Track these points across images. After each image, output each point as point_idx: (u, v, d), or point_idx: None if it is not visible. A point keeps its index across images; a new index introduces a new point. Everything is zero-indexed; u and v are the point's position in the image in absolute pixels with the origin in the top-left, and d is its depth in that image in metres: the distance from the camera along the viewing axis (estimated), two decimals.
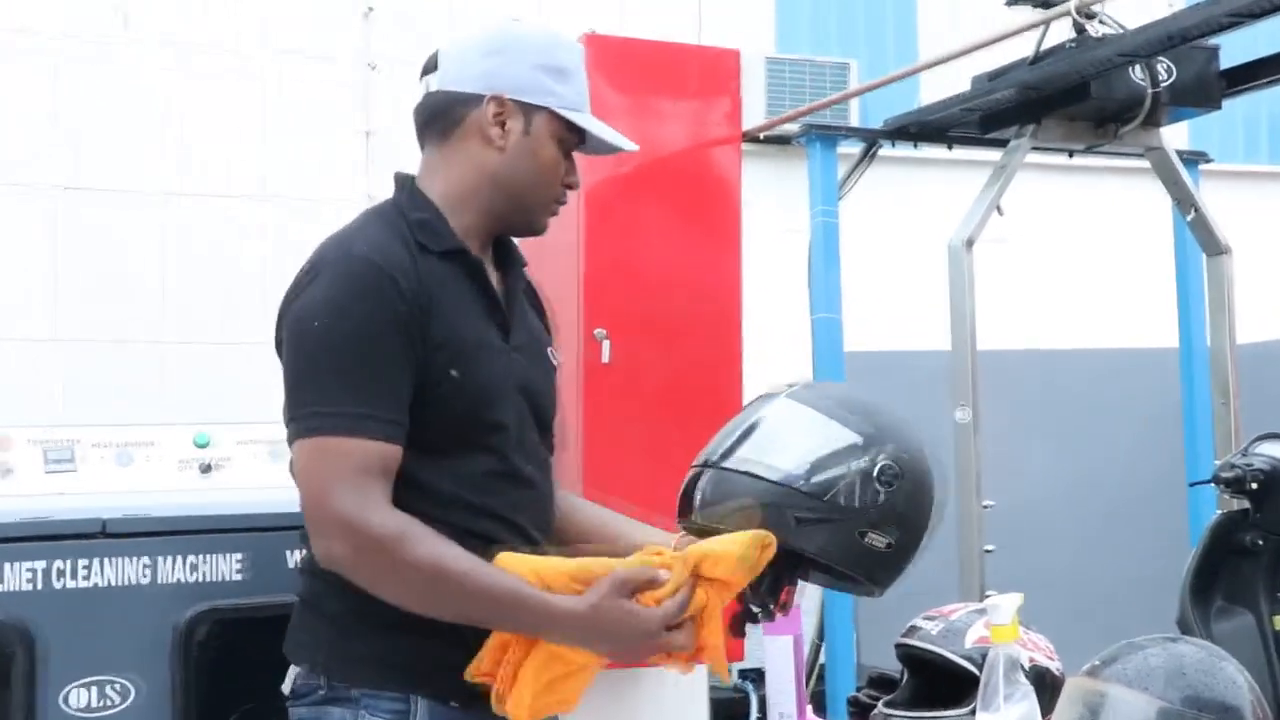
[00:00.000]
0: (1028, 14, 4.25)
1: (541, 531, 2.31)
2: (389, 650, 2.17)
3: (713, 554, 2.09)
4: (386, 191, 4.69)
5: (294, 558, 2.93)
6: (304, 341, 2.11)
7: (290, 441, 2.11)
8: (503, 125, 2.25)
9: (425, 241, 2.23)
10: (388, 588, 2.09)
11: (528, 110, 2.26)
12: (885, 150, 4.98)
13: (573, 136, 2.33)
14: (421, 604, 2.09)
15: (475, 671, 2.13)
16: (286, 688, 2.27)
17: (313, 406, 2.08)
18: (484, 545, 2.13)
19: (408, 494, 2.12)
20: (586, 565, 2.10)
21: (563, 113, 2.28)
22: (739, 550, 2.08)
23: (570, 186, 2.36)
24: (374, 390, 2.09)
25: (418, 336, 2.14)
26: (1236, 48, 4.36)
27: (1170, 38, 3.86)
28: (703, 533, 2.16)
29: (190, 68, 4.54)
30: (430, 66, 2.30)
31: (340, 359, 2.09)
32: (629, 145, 2.39)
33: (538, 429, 2.35)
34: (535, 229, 2.38)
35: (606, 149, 2.40)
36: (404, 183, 2.34)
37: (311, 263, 2.19)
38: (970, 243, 4.25)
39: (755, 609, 2.21)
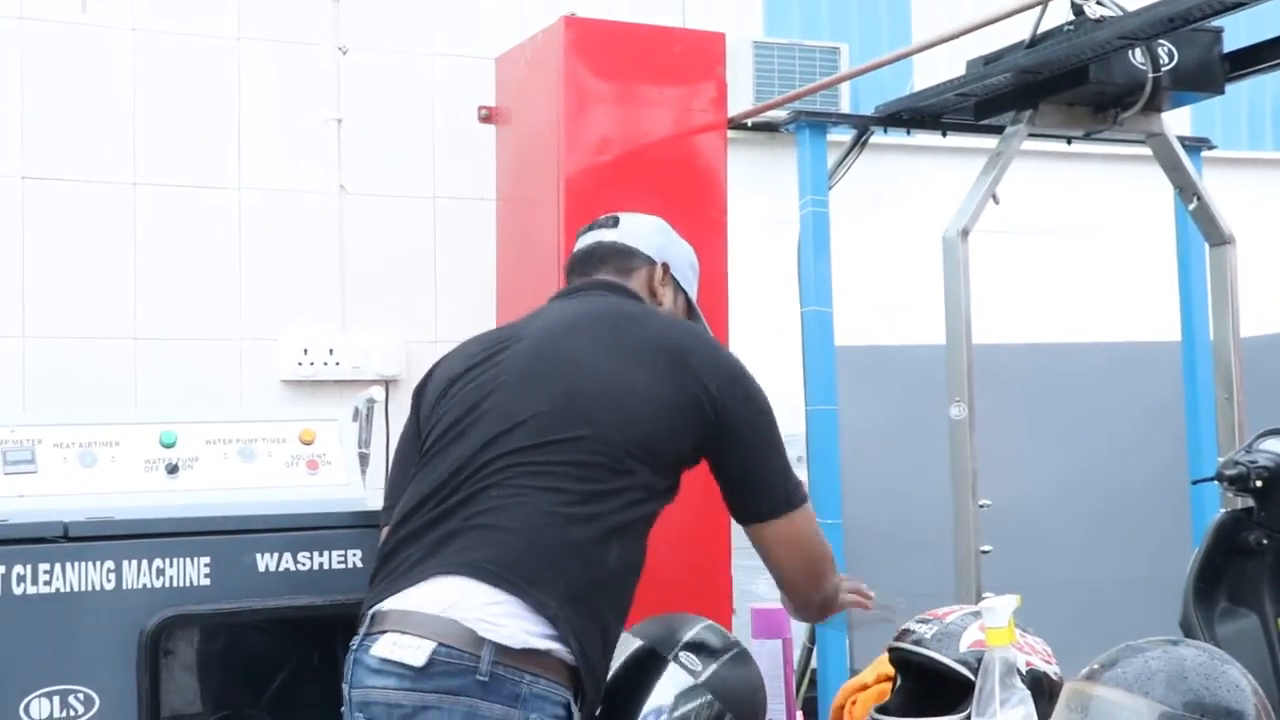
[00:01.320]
0: None
1: None
2: (585, 633, 2.36)
3: None
4: (359, 180, 4.70)
5: (263, 561, 2.93)
6: (770, 425, 2.66)
7: (795, 508, 2.64)
8: (664, 287, 2.86)
9: None
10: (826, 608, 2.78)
11: (676, 286, 2.90)
12: (877, 137, 4.98)
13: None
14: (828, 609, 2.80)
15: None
16: (413, 658, 2.26)
17: (795, 480, 2.68)
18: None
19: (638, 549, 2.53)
20: None
21: (694, 303, 2.94)
22: None
23: None
24: None
25: None
26: (1241, 30, 4.38)
27: (1172, 20, 3.86)
28: None
29: (154, 53, 4.53)
30: (607, 224, 2.91)
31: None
32: None
33: None
34: None
35: None
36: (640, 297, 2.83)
37: (726, 352, 2.72)
38: (965, 233, 4.26)
39: None
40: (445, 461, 2.48)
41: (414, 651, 2.26)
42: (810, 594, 2.70)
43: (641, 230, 2.91)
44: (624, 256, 2.86)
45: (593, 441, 2.44)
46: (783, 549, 2.64)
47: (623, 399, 2.50)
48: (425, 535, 2.41)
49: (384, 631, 2.34)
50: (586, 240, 2.91)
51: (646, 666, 2.57)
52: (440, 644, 2.25)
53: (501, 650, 2.24)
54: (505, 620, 2.27)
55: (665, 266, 2.87)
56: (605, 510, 2.42)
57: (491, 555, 2.33)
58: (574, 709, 2.32)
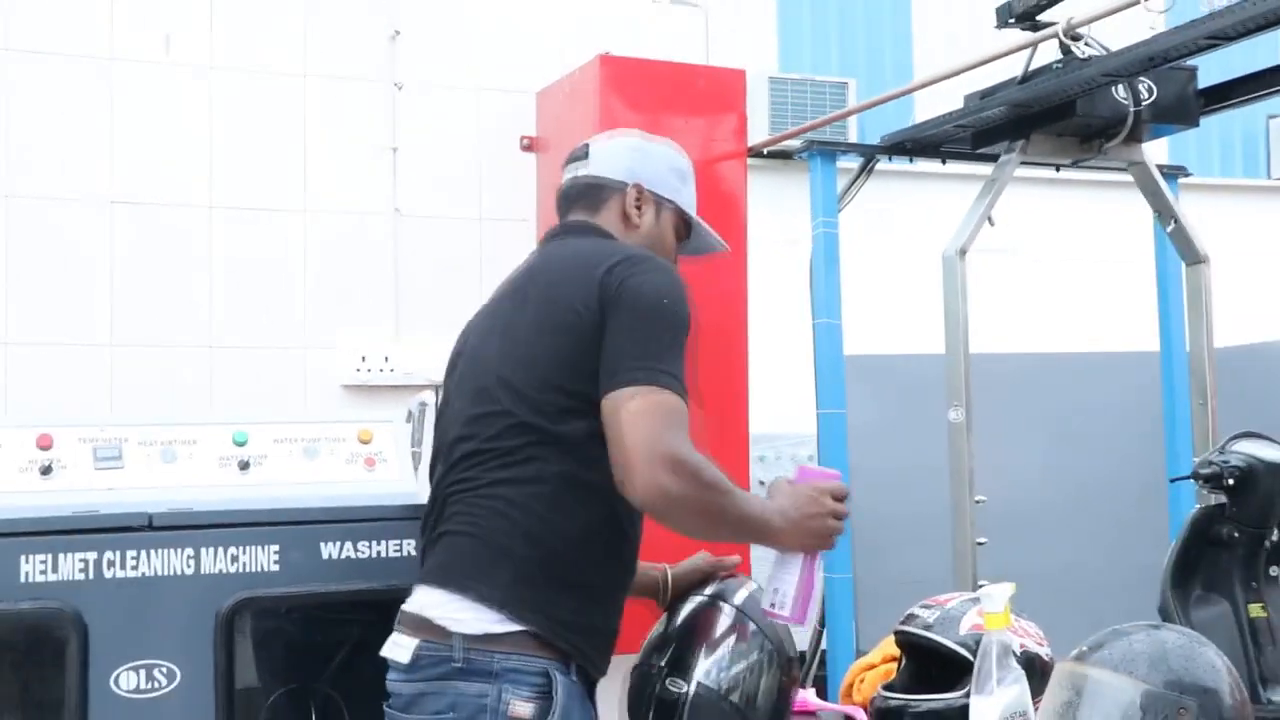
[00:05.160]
0: (1017, 36, 4.26)
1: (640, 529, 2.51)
2: (555, 605, 2.29)
3: None
4: (412, 203, 4.72)
5: (327, 549, 2.94)
6: (654, 311, 2.30)
7: (635, 383, 2.23)
8: (639, 209, 2.57)
9: None
10: (694, 512, 2.25)
11: (660, 202, 2.60)
12: (882, 164, 4.98)
13: (684, 230, 2.65)
14: (714, 526, 2.33)
15: None
16: (402, 656, 2.31)
17: (661, 365, 2.26)
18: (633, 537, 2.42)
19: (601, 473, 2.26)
20: None
21: (685, 210, 2.63)
22: None
23: None
24: (684, 367, 2.30)
25: None
26: (1214, 68, 4.37)
27: (1152, 59, 3.87)
28: None
29: (229, 89, 4.56)
30: (579, 156, 2.63)
31: (677, 336, 2.30)
32: (723, 246, 2.72)
33: None
34: None
35: (700, 250, 2.71)
36: (605, 233, 2.55)
37: (630, 253, 2.39)
38: (963, 252, 4.26)
39: None
40: (436, 470, 2.50)
41: (403, 650, 2.33)
42: (648, 482, 2.21)
43: (610, 155, 2.61)
44: (594, 191, 2.58)
45: (506, 415, 2.33)
46: (612, 428, 2.24)
47: (518, 350, 2.36)
48: (423, 549, 2.50)
49: (394, 629, 2.41)
50: (564, 177, 2.65)
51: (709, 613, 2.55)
52: (422, 640, 2.31)
53: (468, 638, 2.27)
54: (461, 614, 2.29)
55: (638, 188, 2.57)
56: (545, 474, 2.30)
57: (442, 560, 2.37)
58: (558, 675, 2.27)
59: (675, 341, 2.30)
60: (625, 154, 2.61)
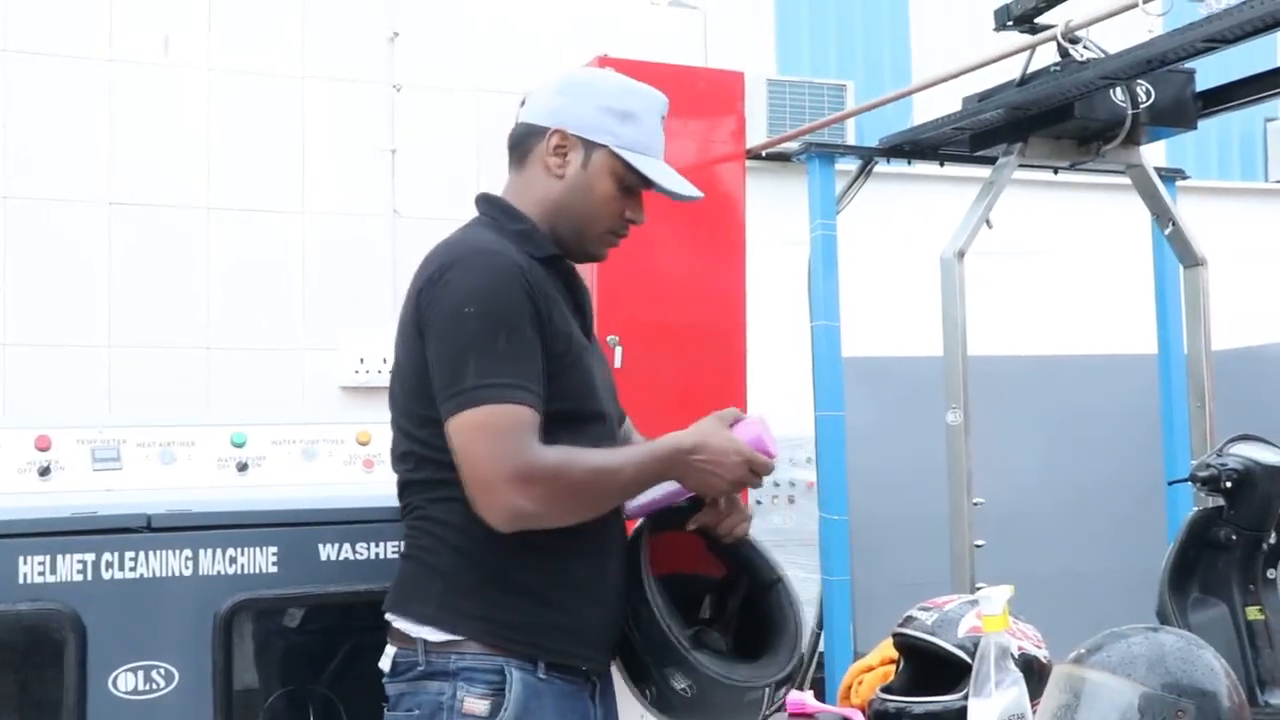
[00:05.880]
0: (1016, 38, 4.27)
1: (620, 516, 2.44)
2: (495, 608, 2.29)
3: None
4: (411, 204, 4.73)
5: (325, 550, 2.94)
6: (459, 326, 2.19)
7: (452, 414, 2.19)
8: (563, 156, 2.35)
9: (528, 249, 2.33)
10: (565, 510, 2.23)
11: (589, 146, 2.35)
12: (880, 167, 4.99)
13: (633, 176, 2.38)
14: (599, 505, 2.28)
15: None
16: (385, 665, 2.38)
17: (472, 380, 2.17)
18: (581, 529, 2.28)
19: None
20: None
21: (620, 152, 2.35)
22: None
23: (632, 222, 2.44)
24: (522, 364, 2.20)
25: (542, 323, 2.25)
26: (1211, 71, 4.37)
27: (1149, 61, 3.87)
28: None
29: (227, 91, 4.56)
30: (522, 102, 2.42)
31: (491, 336, 2.19)
32: (691, 191, 2.43)
33: (616, 418, 2.49)
34: (590, 255, 2.47)
35: (672, 193, 2.43)
36: (494, 200, 2.42)
37: (442, 262, 2.26)
38: (961, 254, 4.26)
39: None
40: None
41: (386, 659, 2.39)
42: (505, 512, 2.18)
43: (539, 99, 2.40)
44: (524, 140, 2.38)
45: (409, 454, 2.36)
46: (457, 454, 2.21)
47: (394, 386, 2.36)
48: None
49: None
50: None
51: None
52: (398, 649, 2.37)
53: (429, 644, 2.32)
54: (412, 626, 2.34)
55: (560, 134, 2.33)
56: (455, 493, 2.25)
57: (393, 582, 2.43)
58: (515, 672, 2.28)
59: (488, 345, 2.18)
60: (551, 95, 2.39)
